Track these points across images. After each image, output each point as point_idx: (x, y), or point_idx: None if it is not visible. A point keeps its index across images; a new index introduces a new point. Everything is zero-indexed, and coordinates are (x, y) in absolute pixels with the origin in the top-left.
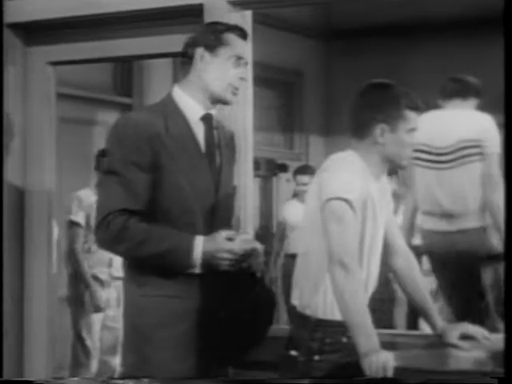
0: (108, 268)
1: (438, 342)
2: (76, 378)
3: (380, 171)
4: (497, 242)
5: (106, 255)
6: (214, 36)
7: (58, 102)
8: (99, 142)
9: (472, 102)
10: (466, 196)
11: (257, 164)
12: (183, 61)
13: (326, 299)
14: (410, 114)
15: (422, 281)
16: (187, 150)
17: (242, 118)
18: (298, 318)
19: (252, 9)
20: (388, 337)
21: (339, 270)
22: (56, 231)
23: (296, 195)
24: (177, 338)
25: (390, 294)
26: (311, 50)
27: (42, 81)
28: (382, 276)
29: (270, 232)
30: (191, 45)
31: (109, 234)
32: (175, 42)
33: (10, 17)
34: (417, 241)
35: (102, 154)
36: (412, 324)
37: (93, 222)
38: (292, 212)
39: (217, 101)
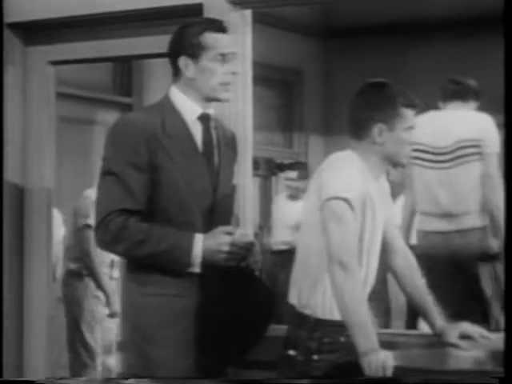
0: (110, 269)
1: (438, 342)
2: (76, 378)
3: (379, 171)
4: (495, 241)
5: (109, 256)
6: (192, 43)
7: (57, 101)
8: (99, 141)
9: (472, 105)
10: (465, 196)
11: (256, 163)
12: (172, 65)
13: (325, 299)
14: (407, 112)
15: (421, 280)
16: (184, 149)
17: (242, 118)
18: (297, 317)
19: (251, 8)
20: (387, 336)
21: (339, 270)
22: (63, 231)
23: (284, 191)
24: (177, 336)
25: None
26: (311, 49)
27: (42, 80)
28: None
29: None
30: (173, 54)
31: (108, 234)
32: None
33: (10, 16)
34: (413, 241)
35: None
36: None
37: None
38: (279, 208)
39: (211, 100)
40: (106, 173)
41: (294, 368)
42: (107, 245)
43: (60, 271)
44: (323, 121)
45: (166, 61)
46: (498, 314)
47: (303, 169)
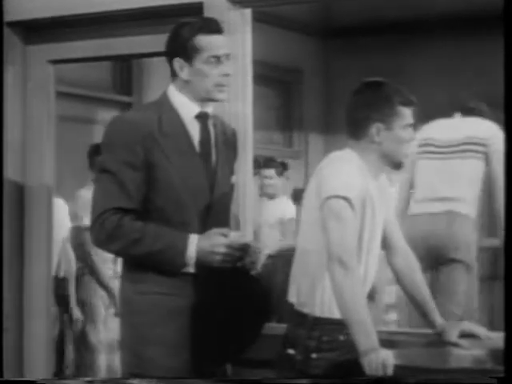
0: (113, 265)
1: (438, 341)
2: (76, 379)
3: (378, 170)
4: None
5: None
6: (185, 45)
7: (57, 100)
8: (99, 140)
9: None
10: (461, 184)
11: (256, 162)
12: (169, 65)
13: (324, 297)
14: (404, 111)
15: (421, 279)
16: (181, 148)
17: (241, 117)
18: (296, 316)
19: (251, 7)
20: (387, 335)
21: (338, 268)
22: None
23: (261, 190)
24: (170, 335)
25: None
26: (310, 48)
27: (42, 79)
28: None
29: None
30: (168, 55)
31: (103, 233)
32: None
33: (10, 15)
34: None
35: (94, 151)
36: None
37: None
38: (263, 209)
39: (207, 101)
40: (102, 171)
41: (293, 367)
42: (102, 243)
43: (71, 266)
44: (323, 119)
45: (165, 59)
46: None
47: (279, 166)
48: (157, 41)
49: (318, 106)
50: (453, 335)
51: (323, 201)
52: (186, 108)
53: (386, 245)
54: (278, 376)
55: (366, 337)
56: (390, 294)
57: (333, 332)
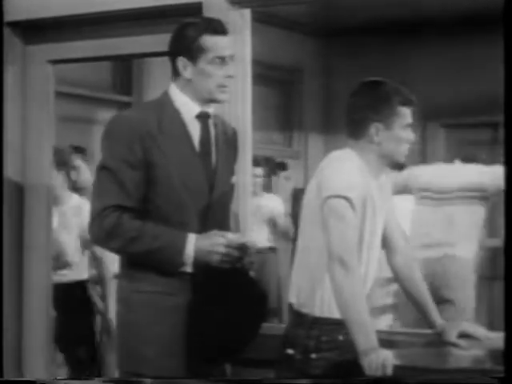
0: None
1: (438, 341)
2: (76, 379)
3: (379, 169)
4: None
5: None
6: (190, 45)
7: (57, 100)
8: (98, 140)
9: None
10: (459, 229)
11: (256, 162)
12: (171, 65)
13: (324, 297)
14: (404, 110)
15: (420, 279)
16: (180, 147)
17: (241, 117)
18: (295, 316)
19: (251, 7)
20: (387, 335)
21: (339, 268)
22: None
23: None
24: (165, 334)
25: None
26: (310, 47)
27: (41, 79)
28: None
29: None
30: (172, 54)
31: (102, 230)
32: None
33: (10, 15)
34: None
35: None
36: None
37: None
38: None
39: (208, 101)
40: (102, 169)
41: (293, 367)
42: (101, 241)
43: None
44: (323, 119)
45: (165, 59)
46: None
47: (267, 165)
48: (156, 40)
49: (317, 106)
50: (452, 335)
51: (324, 200)
52: (187, 107)
53: (386, 244)
54: (277, 376)
55: (365, 337)
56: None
57: (332, 332)
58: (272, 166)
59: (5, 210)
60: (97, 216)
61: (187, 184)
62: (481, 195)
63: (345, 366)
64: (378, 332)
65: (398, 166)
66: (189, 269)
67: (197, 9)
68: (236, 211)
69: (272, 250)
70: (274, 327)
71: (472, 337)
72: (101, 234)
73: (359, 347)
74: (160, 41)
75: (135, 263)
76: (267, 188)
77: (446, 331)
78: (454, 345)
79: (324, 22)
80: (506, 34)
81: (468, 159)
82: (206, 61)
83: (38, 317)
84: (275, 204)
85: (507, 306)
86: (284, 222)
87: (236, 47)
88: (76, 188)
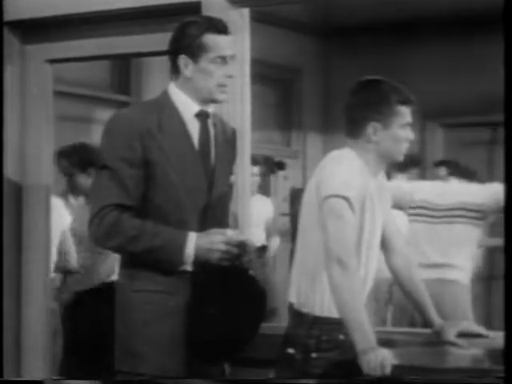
0: None
1: (436, 340)
2: (77, 379)
3: (377, 169)
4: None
5: None
6: (193, 43)
7: (55, 99)
8: (97, 139)
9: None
10: (454, 250)
11: (254, 161)
12: (171, 63)
13: (324, 296)
14: (403, 109)
15: (419, 279)
16: (180, 146)
17: (240, 116)
18: (295, 315)
19: (250, 6)
20: (386, 334)
21: (336, 268)
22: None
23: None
24: (164, 334)
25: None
26: (309, 47)
27: (40, 78)
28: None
29: None
30: (173, 52)
31: (102, 229)
32: None
33: (8, 15)
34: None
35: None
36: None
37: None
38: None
39: (208, 101)
40: (101, 167)
41: (293, 366)
42: (100, 239)
43: None
44: (322, 119)
45: (164, 59)
46: None
47: (265, 164)
48: (155, 40)
49: (316, 106)
50: (451, 334)
51: (323, 200)
52: (187, 106)
53: (385, 245)
54: (277, 375)
55: (364, 336)
56: None
57: (332, 331)
58: (270, 166)
59: (4, 209)
60: (96, 215)
61: (186, 183)
62: (477, 215)
63: (345, 365)
64: (377, 331)
65: (397, 165)
66: (189, 267)
67: (196, 8)
68: (235, 211)
69: (263, 249)
70: (273, 327)
71: (471, 336)
72: (100, 232)
73: (358, 346)
74: (159, 40)
75: (134, 262)
76: (266, 187)
77: (444, 330)
78: (453, 344)
79: (323, 21)
80: (505, 33)
81: (464, 175)
82: (207, 60)
83: (37, 317)
84: (265, 208)
85: (507, 306)
86: (275, 223)
87: (235, 46)
88: None
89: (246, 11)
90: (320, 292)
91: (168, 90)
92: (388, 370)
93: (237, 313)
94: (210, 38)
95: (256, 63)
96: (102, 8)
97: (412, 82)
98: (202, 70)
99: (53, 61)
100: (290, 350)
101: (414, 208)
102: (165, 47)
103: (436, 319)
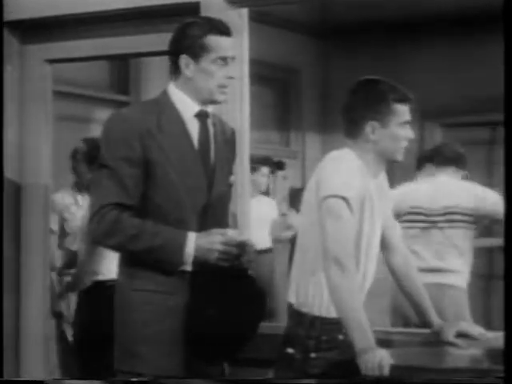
0: None
1: (435, 340)
2: (78, 379)
3: (377, 169)
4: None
5: None
6: (194, 43)
7: (54, 99)
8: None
9: (462, 173)
10: (451, 255)
11: (262, 161)
12: (172, 63)
13: (323, 296)
14: (400, 108)
15: (418, 279)
16: (179, 146)
17: (239, 116)
18: (295, 315)
19: (248, 6)
20: (384, 334)
21: (334, 268)
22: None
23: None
24: (163, 334)
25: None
26: (308, 47)
27: (39, 78)
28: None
29: None
30: (174, 52)
31: (101, 228)
32: None
33: (7, 15)
34: None
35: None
36: None
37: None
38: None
39: (208, 101)
40: (101, 166)
41: (293, 366)
42: (100, 238)
43: None
44: (320, 119)
45: (163, 59)
46: None
47: (265, 164)
48: (154, 40)
49: (315, 106)
50: (450, 335)
51: (321, 200)
52: (186, 106)
53: (384, 244)
54: (277, 375)
55: (362, 336)
56: None
57: (332, 331)
58: (270, 166)
59: (3, 208)
60: (96, 214)
61: (186, 182)
62: (469, 219)
63: (344, 365)
64: (375, 331)
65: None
66: (188, 267)
67: (194, 8)
68: (234, 211)
69: (267, 251)
70: (273, 327)
71: (469, 336)
72: (100, 231)
73: (356, 346)
74: (158, 40)
75: (134, 262)
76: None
77: (443, 330)
78: (452, 344)
79: (322, 21)
80: (505, 33)
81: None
82: (208, 60)
83: (36, 316)
84: (270, 209)
85: (507, 306)
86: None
87: (235, 48)
88: None
89: (244, 11)
90: (319, 292)
91: (168, 90)
92: (386, 371)
93: (236, 313)
94: (212, 39)
95: (255, 63)
96: (101, 8)
97: (410, 81)
98: (203, 71)
99: (52, 61)
100: (290, 350)
101: (407, 214)
102: (164, 47)
103: (435, 319)
